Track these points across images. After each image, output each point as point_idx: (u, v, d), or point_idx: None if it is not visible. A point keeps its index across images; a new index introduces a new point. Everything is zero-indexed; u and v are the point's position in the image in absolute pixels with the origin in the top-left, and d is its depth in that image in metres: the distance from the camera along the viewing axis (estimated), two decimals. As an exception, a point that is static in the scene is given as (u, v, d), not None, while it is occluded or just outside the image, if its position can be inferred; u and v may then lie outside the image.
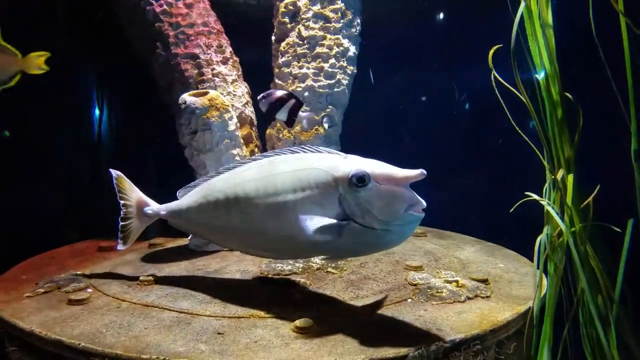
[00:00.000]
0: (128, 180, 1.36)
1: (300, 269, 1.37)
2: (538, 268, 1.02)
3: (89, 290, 1.27)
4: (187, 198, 1.30)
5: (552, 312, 0.98)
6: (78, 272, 1.43)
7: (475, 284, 1.19)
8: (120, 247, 1.34)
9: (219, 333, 1.00)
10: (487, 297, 1.13)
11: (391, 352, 0.90)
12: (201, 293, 1.23)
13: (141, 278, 1.32)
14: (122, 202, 1.35)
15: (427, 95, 2.24)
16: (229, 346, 0.94)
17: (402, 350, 0.91)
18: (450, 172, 2.07)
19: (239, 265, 1.44)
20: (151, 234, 1.80)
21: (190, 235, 1.67)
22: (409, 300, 1.14)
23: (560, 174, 0.94)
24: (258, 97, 1.53)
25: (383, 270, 1.36)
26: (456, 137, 2.19)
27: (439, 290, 1.15)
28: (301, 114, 1.49)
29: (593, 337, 0.94)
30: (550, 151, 0.99)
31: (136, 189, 1.37)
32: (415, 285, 1.22)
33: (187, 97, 1.62)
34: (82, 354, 0.97)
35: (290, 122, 1.49)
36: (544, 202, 1.02)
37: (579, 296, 0.96)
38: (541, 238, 1.06)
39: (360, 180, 1.00)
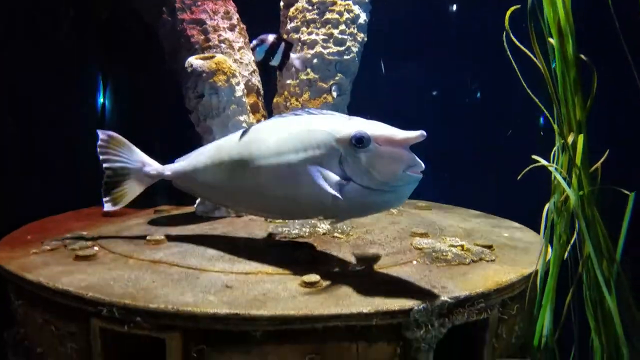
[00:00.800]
0: (126, 140, 1.35)
1: (307, 234, 1.38)
2: (544, 233, 1.03)
3: (96, 248, 1.28)
4: (193, 159, 1.31)
5: (555, 275, 1.00)
6: (84, 233, 1.43)
7: (480, 249, 1.20)
8: (107, 207, 1.33)
9: (227, 286, 1.02)
10: (491, 260, 1.15)
11: (397, 305, 0.92)
12: (209, 250, 1.24)
13: (148, 237, 1.33)
14: (117, 163, 1.34)
15: (433, 64, 2.22)
16: (238, 298, 0.96)
17: (408, 304, 0.92)
18: (456, 145, 2.07)
19: (246, 230, 1.45)
20: (154, 202, 1.81)
21: (197, 201, 1.67)
22: (414, 262, 1.15)
23: (570, 137, 0.94)
24: (251, 45, 1.52)
25: (389, 237, 1.37)
26: (464, 111, 2.18)
27: (444, 254, 1.16)
28: (292, 55, 1.49)
29: (596, 300, 0.95)
30: (561, 114, 0.99)
31: (137, 149, 1.36)
32: (420, 249, 1.23)
33: (193, 60, 1.62)
34: (90, 303, 0.98)
35: (282, 65, 1.49)
36: (551, 168, 1.02)
37: (584, 260, 0.97)
38: (548, 205, 1.06)
39: (360, 141, 1.01)
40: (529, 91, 0.99)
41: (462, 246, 1.19)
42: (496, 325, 1.01)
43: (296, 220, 1.48)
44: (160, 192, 1.81)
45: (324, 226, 1.44)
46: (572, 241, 1.08)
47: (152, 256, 1.20)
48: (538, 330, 1.03)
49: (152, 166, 1.35)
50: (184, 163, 1.32)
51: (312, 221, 1.48)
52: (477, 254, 1.17)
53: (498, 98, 2.05)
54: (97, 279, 1.06)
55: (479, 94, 2.20)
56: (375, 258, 1.19)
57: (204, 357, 0.92)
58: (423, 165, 1.01)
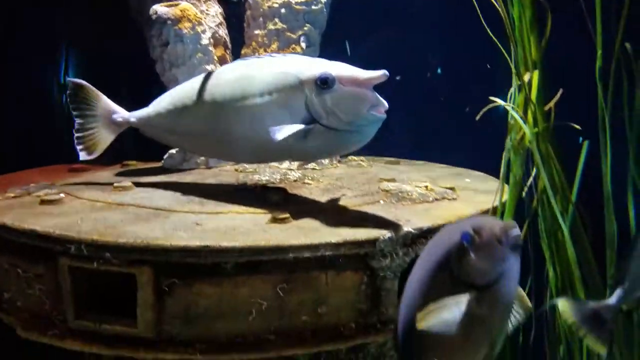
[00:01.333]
0: (94, 88, 1.33)
1: (277, 180, 1.39)
2: (502, 172, 1.07)
3: (62, 195, 1.26)
4: (157, 105, 1.30)
5: (512, 210, 1.04)
6: (48, 183, 1.41)
7: (443, 190, 1.24)
8: (83, 156, 1.32)
9: (197, 224, 1.02)
10: (453, 199, 1.19)
11: (363, 235, 0.95)
12: (178, 194, 1.24)
13: (115, 184, 1.31)
14: (87, 111, 1.32)
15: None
16: (208, 232, 0.97)
17: (374, 234, 0.95)
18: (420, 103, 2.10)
19: (215, 178, 1.45)
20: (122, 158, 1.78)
21: (166, 155, 1.66)
22: (381, 201, 1.19)
23: (526, 76, 0.97)
24: None
25: (358, 182, 1.40)
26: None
27: (410, 194, 1.20)
28: None
29: (551, 231, 1.01)
30: (517, 55, 1.02)
31: (104, 97, 1.34)
32: (387, 191, 1.26)
33: (158, 7, 1.58)
34: (57, 242, 0.97)
35: None
36: (508, 106, 1.06)
37: (539, 194, 1.02)
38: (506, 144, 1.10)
39: (325, 82, 1.03)
40: (488, 31, 1.01)
41: (426, 187, 1.23)
42: (458, 257, 1.06)
43: (267, 169, 1.49)
44: (128, 148, 1.79)
45: (294, 174, 1.45)
46: (529, 182, 1.13)
47: (119, 200, 1.20)
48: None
49: (119, 113, 1.33)
50: (148, 109, 1.31)
51: (283, 169, 1.49)
52: (441, 194, 1.21)
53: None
54: (64, 220, 1.05)
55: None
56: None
57: (175, 290, 0.94)
58: (386, 105, 1.04)
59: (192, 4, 1.83)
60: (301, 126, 1.05)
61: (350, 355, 1.11)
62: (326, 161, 1.68)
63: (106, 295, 1.02)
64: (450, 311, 0.71)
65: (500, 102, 1.02)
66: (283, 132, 1.04)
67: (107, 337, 0.97)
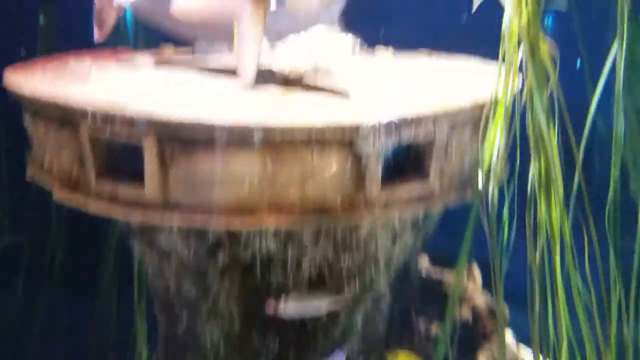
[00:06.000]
0: None
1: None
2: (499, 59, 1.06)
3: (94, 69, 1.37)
4: None
5: (504, 102, 1.04)
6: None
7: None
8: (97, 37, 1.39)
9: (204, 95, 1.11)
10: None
11: (347, 122, 1.00)
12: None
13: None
14: None
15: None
16: (212, 109, 1.05)
17: (357, 120, 1.00)
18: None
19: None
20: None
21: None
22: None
23: None
24: None
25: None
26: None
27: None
28: None
29: (537, 127, 1.01)
30: None
31: None
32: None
33: None
34: (76, 112, 1.09)
35: None
36: None
37: (526, 90, 1.01)
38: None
39: None
40: None
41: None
42: (444, 147, 1.09)
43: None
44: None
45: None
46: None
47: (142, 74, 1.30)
48: (488, 154, 1.10)
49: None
50: None
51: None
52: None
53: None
54: (87, 90, 1.16)
55: None
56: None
57: (176, 160, 1.05)
58: None
59: None
60: None
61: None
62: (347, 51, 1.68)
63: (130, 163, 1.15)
64: None
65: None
66: None
67: (123, 201, 1.11)
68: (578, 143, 1.12)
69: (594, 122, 1.18)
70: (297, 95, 1.14)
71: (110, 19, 1.40)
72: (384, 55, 1.75)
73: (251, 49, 0.77)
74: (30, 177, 1.32)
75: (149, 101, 1.09)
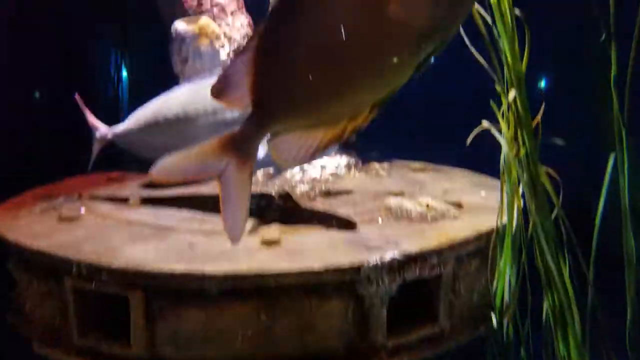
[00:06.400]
0: (82, 103, 1.40)
1: (284, 193, 1.40)
2: (501, 190, 1.02)
3: (82, 210, 1.33)
4: (132, 120, 1.33)
5: (510, 231, 0.99)
6: (75, 196, 1.49)
7: (446, 207, 1.20)
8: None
9: (191, 245, 1.05)
10: (454, 218, 1.15)
11: (347, 262, 0.94)
12: (184, 211, 1.28)
13: (130, 200, 1.37)
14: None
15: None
16: (198, 257, 0.99)
17: (358, 260, 0.94)
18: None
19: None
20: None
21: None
22: (379, 219, 1.16)
23: (512, 94, 0.91)
24: None
25: (365, 197, 1.38)
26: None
27: (409, 212, 1.17)
28: None
29: (545, 259, 0.95)
30: (503, 74, 0.96)
31: (89, 113, 1.41)
32: (389, 208, 1.23)
33: (177, 24, 1.64)
34: (61, 262, 1.02)
35: None
36: (493, 130, 1.00)
37: (530, 223, 0.97)
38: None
39: None
40: (475, 52, 0.96)
41: (427, 204, 1.19)
42: (451, 282, 1.02)
43: (277, 180, 1.50)
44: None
45: (304, 186, 1.46)
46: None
47: (130, 216, 1.25)
48: (500, 289, 1.03)
49: (99, 130, 1.39)
50: (128, 123, 1.34)
51: (294, 181, 1.50)
52: (442, 212, 1.17)
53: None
54: (73, 239, 1.11)
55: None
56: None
57: (164, 314, 0.97)
58: None
59: (217, 17, 1.88)
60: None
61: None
62: (343, 170, 1.67)
63: (112, 314, 1.08)
64: None
65: (486, 125, 0.96)
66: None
67: (107, 356, 1.02)
68: (588, 262, 1.05)
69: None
70: (292, 235, 1.08)
71: (94, 150, 1.41)
72: (380, 172, 1.73)
73: (236, 212, 0.74)
74: (12, 324, 1.23)
75: (135, 250, 1.03)
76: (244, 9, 2.00)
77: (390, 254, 0.95)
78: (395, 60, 0.66)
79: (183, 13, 1.90)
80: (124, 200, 1.40)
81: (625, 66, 0.95)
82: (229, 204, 0.75)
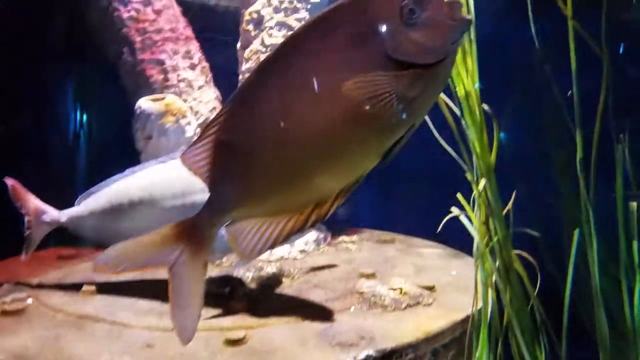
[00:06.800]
0: (23, 188, 1.31)
1: (249, 278, 1.34)
2: (476, 277, 0.99)
3: (29, 301, 1.23)
4: (90, 203, 1.26)
5: (486, 321, 0.95)
6: (20, 284, 1.38)
7: (419, 292, 1.16)
8: (23, 257, 1.29)
9: (147, 346, 0.97)
10: (428, 304, 1.11)
11: (319, 363, 0.87)
12: (141, 300, 1.19)
13: (84, 288, 1.28)
14: (22, 211, 1.30)
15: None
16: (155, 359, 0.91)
17: (331, 361, 0.88)
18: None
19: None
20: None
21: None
22: (352, 308, 1.11)
23: (482, 183, 0.91)
24: None
25: (336, 278, 1.33)
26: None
27: (382, 299, 1.12)
28: None
29: (520, 355, 0.92)
30: (472, 163, 0.96)
31: (32, 196, 1.32)
32: (361, 293, 1.18)
33: (142, 102, 1.61)
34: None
35: None
36: (463, 219, 0.99)
37: (504, 306, 0.94)
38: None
39: None
40: (444, 144, 0.97)
41: (400, 289, 1.15)
42: (429, 377, 0.97)
43: (240, 262, 1.43)
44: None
45: (270, 269, 1.40)
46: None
47: (81, 310, 1.15)
48: (478, 379, 0.98)
49: (47, 213, 1.30)
50: (80, 208, 1.27)
51: (260, 263, 1.44)
52: (415, 298, 1.12)
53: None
54: (16, 342, 1.01)
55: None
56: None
57: None
58: None
59: (184, 92, 1.88)
60: None
61: None
62: (312, 247, 1.63)
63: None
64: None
65: (456, 212, 0.95)
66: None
67: None
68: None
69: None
70: (260, 329, 1.02)
71: (37, 236, 1.30)
72: (349, 246, 1.70)
73: (188, 307, 0.66)
74: None
75: (90, 347, 0.94)
76: (211, 83, 2.00)
77: (364, 353, 0.89)
78: (358, 149, 0.64)
79: (148, 88, 1.89)
80: (77, 287, 1.31)
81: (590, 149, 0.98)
82: (180, 299, 0.68)
